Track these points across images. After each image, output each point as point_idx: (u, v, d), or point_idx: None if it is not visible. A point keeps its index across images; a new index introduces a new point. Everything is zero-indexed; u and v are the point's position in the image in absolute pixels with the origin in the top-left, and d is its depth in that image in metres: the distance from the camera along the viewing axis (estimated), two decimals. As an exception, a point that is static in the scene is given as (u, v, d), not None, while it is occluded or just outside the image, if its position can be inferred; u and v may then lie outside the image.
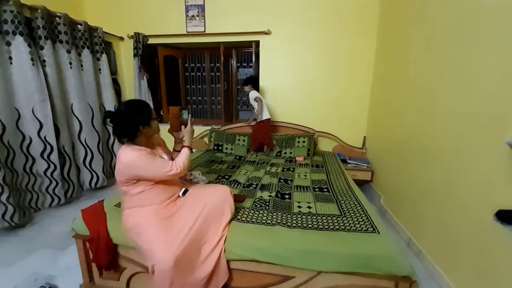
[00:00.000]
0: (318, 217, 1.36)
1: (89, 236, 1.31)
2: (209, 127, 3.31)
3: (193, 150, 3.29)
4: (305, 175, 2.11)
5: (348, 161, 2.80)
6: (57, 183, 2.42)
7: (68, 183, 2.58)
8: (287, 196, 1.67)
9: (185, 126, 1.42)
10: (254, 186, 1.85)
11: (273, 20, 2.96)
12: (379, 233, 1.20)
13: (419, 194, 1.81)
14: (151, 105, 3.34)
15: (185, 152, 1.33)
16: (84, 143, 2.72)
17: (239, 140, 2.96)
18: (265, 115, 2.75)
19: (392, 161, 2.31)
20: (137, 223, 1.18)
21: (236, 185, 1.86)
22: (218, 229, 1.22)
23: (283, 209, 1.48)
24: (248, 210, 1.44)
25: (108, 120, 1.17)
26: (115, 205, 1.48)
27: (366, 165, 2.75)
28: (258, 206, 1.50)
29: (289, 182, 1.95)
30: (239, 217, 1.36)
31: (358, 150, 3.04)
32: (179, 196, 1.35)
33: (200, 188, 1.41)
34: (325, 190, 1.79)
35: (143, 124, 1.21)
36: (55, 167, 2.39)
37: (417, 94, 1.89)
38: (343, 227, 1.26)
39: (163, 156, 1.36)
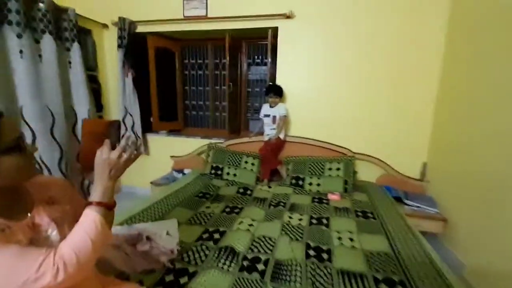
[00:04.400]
0: None
1: None
2: (209, 141, 2.54)
3: (185, 174, 2.40)
4: (351, 238, 1.24)
5: (405, 201, 1.88)
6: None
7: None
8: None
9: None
10: (262, 266, 1.01)
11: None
12: None
13: None
14: (137, 110, 2.63)
15: (87, 222, 0.55)
16: (39, 159, 2.02)
17: (246, 162, 2.13)
18: (282, 134, 2.23)
19: (482, 206, 1.39)
20: None
21: (229, 262, 1.02)
22: None
23: None
24: None
25: None
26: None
27: (435, 210, 1.81)
28: None
29: (325, 258, 1.08)
30: None
31: (415, 182, 2.12)
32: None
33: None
34: (398, 285, 0.92)
35: None
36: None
37: None
38: None
39: (49, 231, 0.58)
